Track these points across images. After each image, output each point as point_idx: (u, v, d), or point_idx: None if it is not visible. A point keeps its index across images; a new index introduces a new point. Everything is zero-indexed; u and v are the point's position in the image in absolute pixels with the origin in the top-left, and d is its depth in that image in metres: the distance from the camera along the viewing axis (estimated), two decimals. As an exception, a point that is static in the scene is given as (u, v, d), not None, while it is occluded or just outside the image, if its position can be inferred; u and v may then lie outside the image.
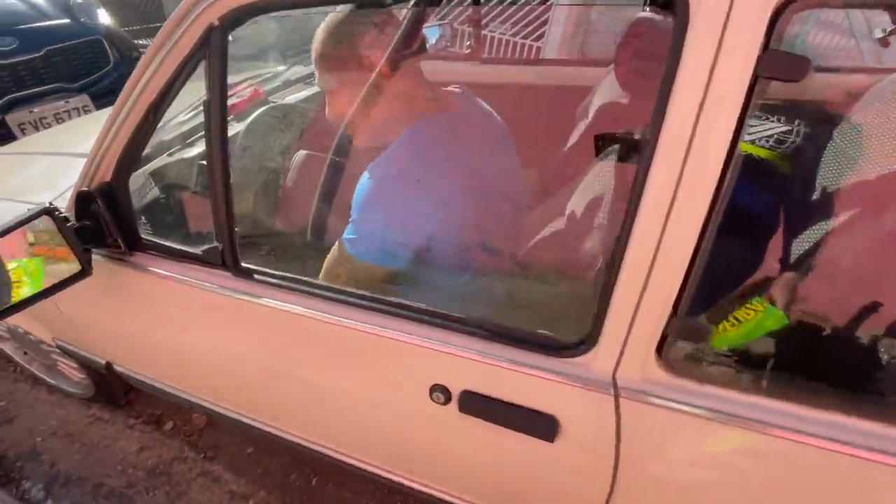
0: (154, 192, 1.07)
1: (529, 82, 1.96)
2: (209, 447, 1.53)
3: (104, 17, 3.06)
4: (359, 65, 0.78)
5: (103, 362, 1.24)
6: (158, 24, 0.62)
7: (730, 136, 0.46)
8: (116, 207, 0.86)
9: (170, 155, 1.17)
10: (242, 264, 0.81)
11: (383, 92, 0.80)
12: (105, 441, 1.58)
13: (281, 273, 0.79)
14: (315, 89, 1.57)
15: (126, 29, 4.67)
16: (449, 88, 0.89)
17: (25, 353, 1.70)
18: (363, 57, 0.77)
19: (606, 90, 1.51)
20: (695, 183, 0.49)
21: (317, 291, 0.75)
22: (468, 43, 1.88)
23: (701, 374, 0.58)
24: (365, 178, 0.79)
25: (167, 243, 0.87)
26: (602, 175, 0.99)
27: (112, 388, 1.55)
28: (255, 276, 0.80)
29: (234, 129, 1.32)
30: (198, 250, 0.83)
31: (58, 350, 1.35)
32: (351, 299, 0.73)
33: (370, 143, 0.86)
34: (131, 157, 0.82)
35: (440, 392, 0.69)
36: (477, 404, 0.67)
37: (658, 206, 0.51)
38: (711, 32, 0.44)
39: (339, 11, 0.79)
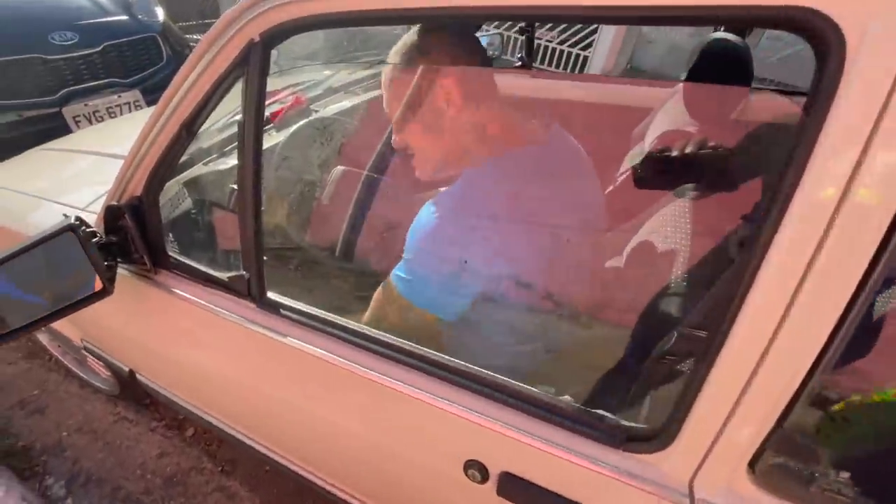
0: (186, 204, 1.04)
1: (581, 98, 1.84)
2: (227, 460, 1.50)
3: (160, 14, 3.14)
4: (434, 91, 0.68)
5: (127, 370, 1.22)
6: (214, 20, 0.56)
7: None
8: (145, 224, 0.81)
9: (206, 164, 1.13)
10: (269, 296, 0.75)
11: (460, 121, 0.70)
12: (127, 442, 1.58)
13: (311, 310, 0.72)
14: (359, 99, 1.51)
15: (183, 24, 4.83)
16: (535, 120, 0.78)
17: (59, 346, 1.72)
18: (441, 82, 0.67)
19: (669, 115, 1.38)
20: (842, 258, 0.37)
21: (348, 337, 0.68)
22: (519, 55, 1.78)
23: (806, 498, 0.47)
24: (428, 211, 0.69)
25: (193, 264, 0.82)
26: (679, 219, 0.88)
27: (137, 389, 1.54)
28: (282, 310, 0.73)
29: (274, 139, 1.28)
30: (224, 276, 0.77)
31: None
32: (385, 351, 0.65)
33: (435, 175, 0.76)
34: (163, 173, 0.77)
35: (476, 470, 0.60)
36: (519, 491, 0.58)
37: (781, 284, 0.40)
38: (878, 82, 0.33)
39: (413, 32, 0.69)
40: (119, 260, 0.85)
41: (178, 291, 0.83)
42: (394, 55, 0.71)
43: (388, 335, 0.65)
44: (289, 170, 1.25)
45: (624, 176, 1.52)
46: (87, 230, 0.75)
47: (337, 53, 1.80)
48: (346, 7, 0.53)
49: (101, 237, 0.81)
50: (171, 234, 0.90)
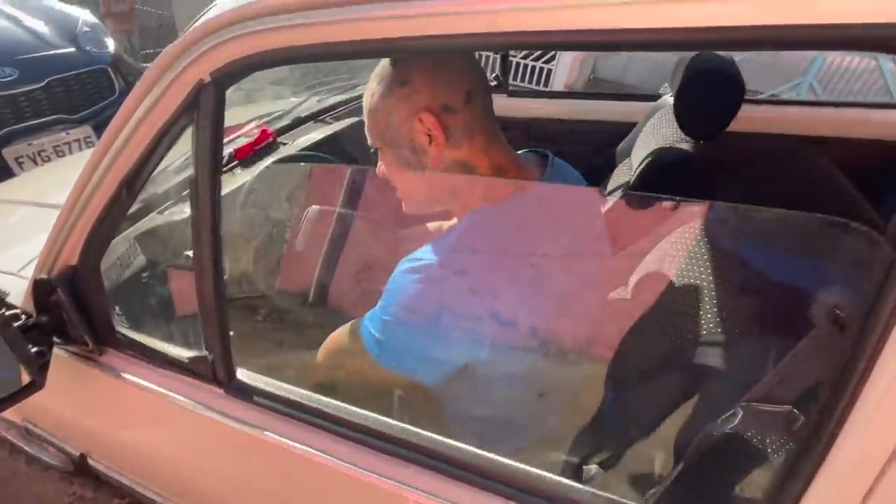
0: (139, 263, 0.90)
1: (556, 115, 1.79)
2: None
3: (111, 45, 2.97)
4: (413, 126, 0.59)
5: (77, 453, 1.05)
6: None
7: None
8: (83, 297, 0.68)
9: (161, 212, 0.99)
10: (240, 377, 0.62)
11: (444, 161, 0.61)
12: (84, 529, 1.38)
13: (294, 395, 0.59)
14: (331, 129, 1.41)
15: (149, 52, 4.62)
16: (530, 156, 0.69)
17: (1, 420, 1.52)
18: (421, 117, 0.58)
19: (658, 131, 1.34)
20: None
21: (343, 430, 0.55)
22: (494, 75, 1.72)
23: None
24: (406, 266, 0.60)
25: (147, 342, 0.69)
26: (692, 245, 0.80)
27: (91, 472, 1.35)
28: (257, 396, 0.61)
29: (240, 178, 1.16)
30: (184, 355, 0.64)
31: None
32: (386, 445, 0.53)
33: (420, 211, 0.70)
34: (101, 238, 0.64)
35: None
36: None
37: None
38: None
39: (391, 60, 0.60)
40: (56, 340, 0.71)
41: (128, 376, 0.69)
42: (374, 77, 0.62)
43: (394, 426, 0.54)
44: (256, 210, 1.13)
45: (615, 194, 1.46)
46: (8, 313, 0.61)
47: (305, 79, 1.70)
48: (313, 39, 0.43)
49: (28, 318, 0.67)
50: (119, 304, 0.76)
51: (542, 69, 5.19)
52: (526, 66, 5.21)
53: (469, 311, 0.58)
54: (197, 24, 0.48)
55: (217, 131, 0.51)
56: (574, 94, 1.88)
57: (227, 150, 1.23)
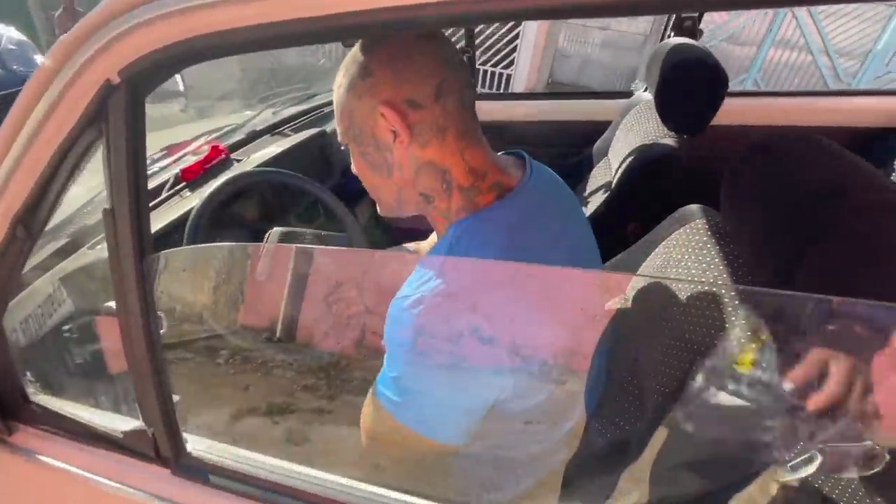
0: (66, 310, 0.75)
1: (527, 118, 1.73)
2: None
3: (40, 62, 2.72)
4: (375, 120, 0.52)
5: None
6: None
7: None
8: (-17, 365, 0.53)
9: (92, 247, 0.85)
10: (190, 452, 0.50)
11: (410, 161, 0.54)
12: None
13: (263, 471, 0.47)
14: (291, 141, 1.28)
15: None
16: (507, 158, 0.61)
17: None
18: (382, 110, 0.51)
19: (635, 128, 1.28)
20: None
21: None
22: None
23: None
24: (396, 309, 0.50)
25: (70, 413, 0.55)
26: (702, 249, 0.73)
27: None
28: (213, 476, 0.49)
29: (189, 201, 1.02)
30: (118, 429, 0.51)
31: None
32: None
33: (394, 214, 0.61)
34: (1, 289, 0.51)
35: None
36: None
37: None
38: None
39: (359, 46, 0.52)
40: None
41: (46, 458, 0.55)
42: (341, 69, 0.54)
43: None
44: (210, 237, 0.99)
45: (598, 194, 1.40)
46: None
47: (258, 90, 1.56)
48: (250, 20, 0.32)
49: None
50: (35, 367, 0.62)
51: (500, 74, 5.24)
52: (486, 71, 5.25)
53: (481, 339, 0.49)
54: (101, 4, 0.36)
55: (136, 147, 0.39)
56: (545, 94, 1.83)
57: (173, 171, 1.09)
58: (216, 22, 0.33)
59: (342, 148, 0.59)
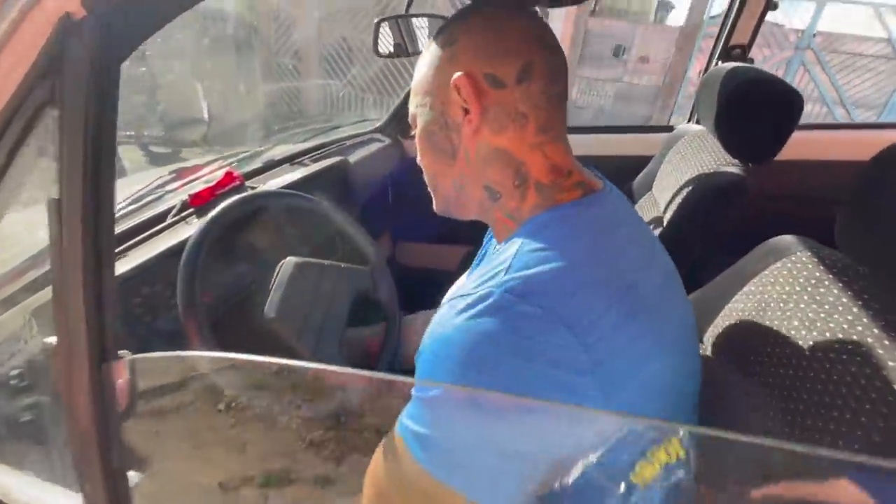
0: (30, 351, 0.62)
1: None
2: None
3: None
4: (448, 94, 0.45)
5: None
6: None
7: None
8: None
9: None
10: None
11: (479, 147, 0.46)
12: None
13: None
14: (310, 169, 1.20)
15: None
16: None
17: None
18: (456, 83, 0.44)
19: (687, 159, 1.17)
20: None
21: None
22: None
23: None
24: (455, 307, 0.38)
25: (12, 483, 0.41)
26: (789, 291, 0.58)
27: None
28: None
29: (193, 228, 0.91)
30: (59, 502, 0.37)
31: None
32: None
33: (449, 212, 0.53)
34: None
35: None
36: None
37: None
38: None
39: (450, 18, 0.48)
40: None
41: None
42: (427, 45, 0.49)
43: None
44: (211, 266, 0.87)
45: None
46: None
47: (276, 122, 1.51)
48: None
49: None
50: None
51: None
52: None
53: (571, 360, 0.35)
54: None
55: (101, 115, 0.27)
56: (583, 128, 1.74)
57: (181, 197, 1.00)
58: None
59: (408, 137, 0.49)
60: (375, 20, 0.99)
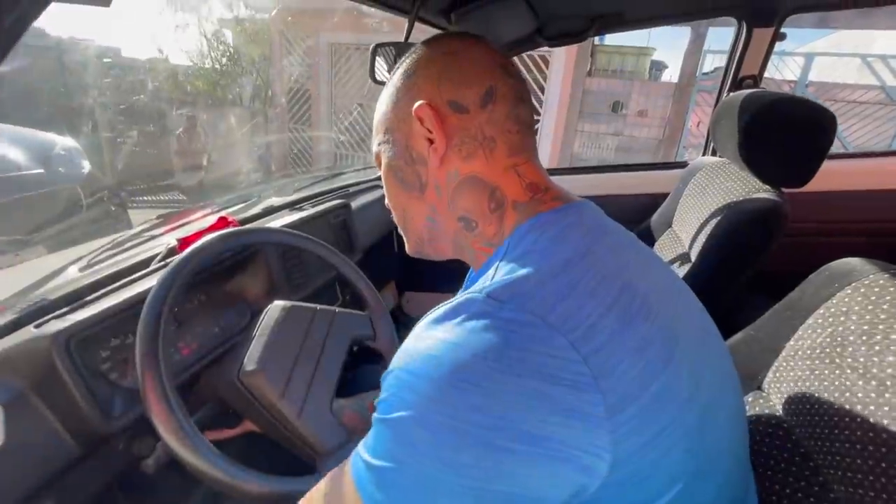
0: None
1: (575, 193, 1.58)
2: None
3: (86, 167, 2.89)
4: (409, 123, 0.44)
5: None
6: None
7: None
8: None
9: (39, 326, 0.64)
10: None
11: (449, 177, 0.44)
12: None
13: None
14: (309, 213, 1.14)
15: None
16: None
17: None
18: (420, 112, 0.42)
19: (710, 189, 1.10)
20: None
21: None
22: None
23: None
24: (432, 317, 0.35)
25: None
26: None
27: None
28: None
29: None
30: None
31: None
32: None
33: (423, 252, 0.50)
34: None
35: None
36: None
37: None
38: None
39: (407, 54, 0.46)
40: None
41: None
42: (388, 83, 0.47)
43: None
44: (196, 323, 0.78)
45: (673, 268, 1.17)
46: None
47: (279, 170, 1.48)
48: None
49: None
50: None
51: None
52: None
53: (572, 377, 0.30)
54: None
55: None
56: (594, 168, 1.70)
57: (168, 238, 0.93)
58: None
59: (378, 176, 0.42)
60: (372, 46, 0.97)
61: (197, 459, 0.49)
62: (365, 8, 0.91)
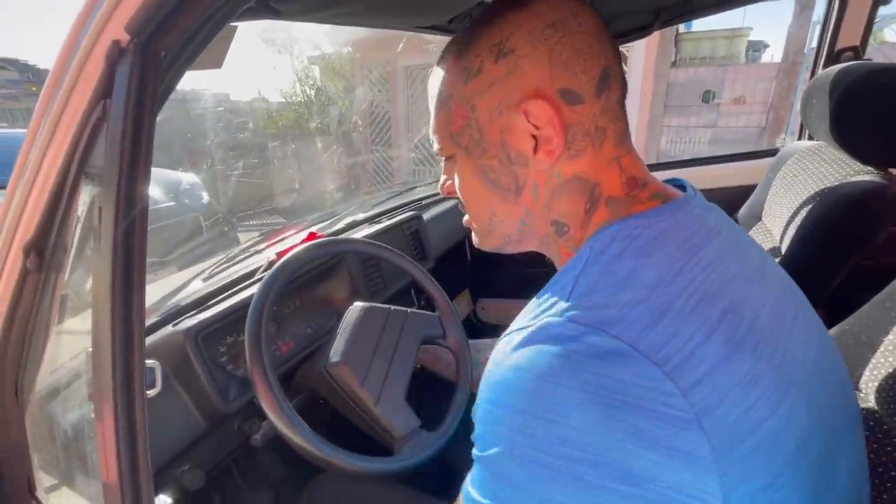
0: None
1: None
2: None
3: (206, 198, 3.37)
4: (510, 119, 0.36)
5: None
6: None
7: None
8: None
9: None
10: None
11: (552, 176, 0.37)
12: None
13: None
14: (378, 226, 1.24)
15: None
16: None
17: None
18: (526, 106, 0.35)
19: (802, 176, 1.00)
20: None
21: None
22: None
23: None
24: (509, 344, 0.32)
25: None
26: None
27: None
28: None
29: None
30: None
31: None
32: None
33: (501, 248, 0.44)
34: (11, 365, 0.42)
35: None
36: None
37: None
38: None
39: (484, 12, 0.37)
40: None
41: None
42: (445, 51, 0.39)
43: None
44: (292, 323, 0.90)
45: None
46: None
47: (363, 188, 1.63)
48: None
49: None
50: (47, 457, 0.51)
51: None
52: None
53: (659, 404, 0.27)
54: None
55: (139, 129, 0.29)
56: (679, 162, 1.62)
57: (268, 253, 1.08)
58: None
59: (442, 161, 0.43)
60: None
61: (295, 435, 0.58)
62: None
